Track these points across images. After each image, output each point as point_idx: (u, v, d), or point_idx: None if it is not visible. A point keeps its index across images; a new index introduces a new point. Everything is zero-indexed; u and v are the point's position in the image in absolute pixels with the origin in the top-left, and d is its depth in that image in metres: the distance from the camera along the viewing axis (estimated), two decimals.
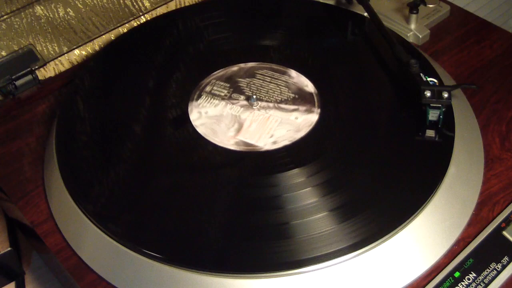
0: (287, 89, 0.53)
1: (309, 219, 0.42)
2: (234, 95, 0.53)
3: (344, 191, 0.44)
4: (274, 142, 0.48)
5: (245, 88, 0.54)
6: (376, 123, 0.50)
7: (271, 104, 0.52)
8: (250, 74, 0.55)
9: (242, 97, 0.53)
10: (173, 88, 0.54)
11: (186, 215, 0.44)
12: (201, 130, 0.50)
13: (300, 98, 0.52)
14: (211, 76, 0.55)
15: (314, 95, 0.52)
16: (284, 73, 0.55)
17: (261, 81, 0.54)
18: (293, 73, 0.55)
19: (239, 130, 0.50)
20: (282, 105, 0.52)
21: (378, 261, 0.41)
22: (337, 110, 0.51)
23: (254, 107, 0.52)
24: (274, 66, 0.56)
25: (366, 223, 0.42)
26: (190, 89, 0.54)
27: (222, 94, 0.53)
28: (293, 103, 0.52)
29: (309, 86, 0.53)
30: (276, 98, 0.52)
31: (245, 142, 0.49)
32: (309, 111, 0.51)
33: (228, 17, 0.62)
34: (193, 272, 0.41)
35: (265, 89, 0.53)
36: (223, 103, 0.53)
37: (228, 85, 0.54)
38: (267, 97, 0.52)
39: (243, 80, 0.55)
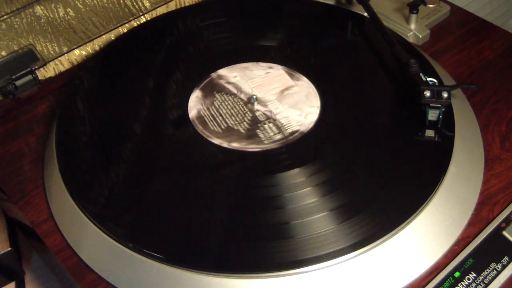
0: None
1: (309, 219, 0.42)
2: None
3: (344, 191, 0.44)
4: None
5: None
6: (376, 123, 0.50)
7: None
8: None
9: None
10: (173, 88, 0.54)
11: (186, 215, 0.44)
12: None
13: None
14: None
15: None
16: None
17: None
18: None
19: None
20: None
21: (378, 261, 0.41)
22: (337, 110, 0.51)
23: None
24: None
25: (366, 223, 0.42)
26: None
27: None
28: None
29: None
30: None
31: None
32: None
33: (228, 17, 0.62)
34: (193, 272, 0.41)
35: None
36: None
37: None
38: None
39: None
